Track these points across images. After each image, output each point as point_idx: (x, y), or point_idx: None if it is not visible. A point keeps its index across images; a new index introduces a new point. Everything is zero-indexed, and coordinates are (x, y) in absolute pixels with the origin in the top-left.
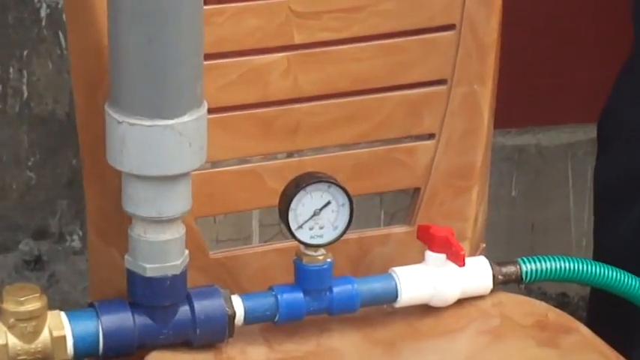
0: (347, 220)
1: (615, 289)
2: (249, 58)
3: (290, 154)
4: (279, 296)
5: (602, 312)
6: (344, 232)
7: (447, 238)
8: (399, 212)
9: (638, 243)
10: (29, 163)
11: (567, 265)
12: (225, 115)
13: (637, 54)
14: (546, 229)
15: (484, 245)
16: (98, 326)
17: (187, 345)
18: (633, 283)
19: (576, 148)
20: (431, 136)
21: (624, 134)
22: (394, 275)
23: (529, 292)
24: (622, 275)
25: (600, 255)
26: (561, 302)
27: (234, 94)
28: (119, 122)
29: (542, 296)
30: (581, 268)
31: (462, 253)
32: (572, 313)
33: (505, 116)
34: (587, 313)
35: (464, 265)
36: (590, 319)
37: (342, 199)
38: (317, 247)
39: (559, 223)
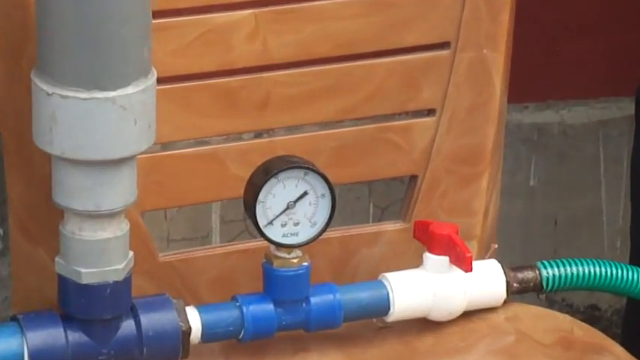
0: (327, 215)
1: None
2: (208, 15)
3: (258, 134)
4: (244, 308)
5: (639, 328)
6: (324, 230)
7: (451, 237)
8: (392, 206)
9: None
10: None
11: (597, 270)
12: (178, 85)
13: None
14: (572, 225)
15: (496, 246)
16: (23, 344)
17: None
18: None
19: (609, 126)
20: (431, 112)
21: None
22: (385, 282)
23: (551, 303)
24: None
25: (639, 258)
26: (591, 316)
27: (189, 61)
28: (48, 94)
29: (568, 309)
30: (614, 273)
31: (469, 255)
32: (605, 330)
33: (522, 88)
34: (622, 329)
35: (471, 270)
36: (626, 337)
37: (322, 189)
38: (291, 247)
39: (588, 218)
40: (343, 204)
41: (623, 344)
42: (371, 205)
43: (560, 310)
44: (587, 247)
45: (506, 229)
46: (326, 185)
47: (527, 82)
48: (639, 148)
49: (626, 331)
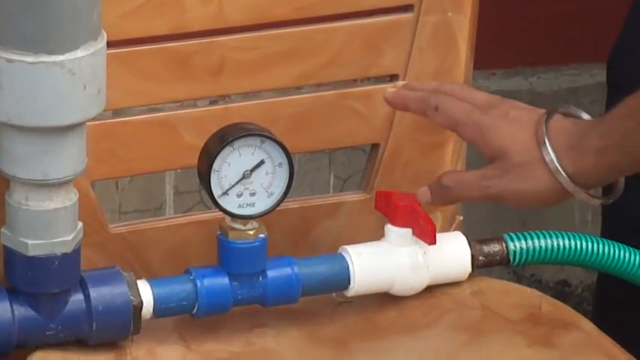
0: (285, 185)
1: (628, 274)
2: None
3: (213, 101)
4: (198, 282)
5: (611, 303)
6: (281, 200)
7: (413, 209)
8: (354, 176)
9: None
10: None
11: (567, 242)
12: (129, 49)
13: None
14: None
15: (461, 218)
16: None
17: (82, 343)
18: None
19: (580, 94)
20: (393, 77)
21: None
22: (345, 255)
23: (519, 279)
24: (637, 257)
25: (610, 232)
26: (561, 292)
27: (141, 24)
28: None
29: (537, 284)
30: (584, 246)
31: (432, 227)
32: (575, 306)
33: (489, 54)
34: (593, 304)
35: (434, 242)
36: (597, 313)
37: (279, 157)
38: (247, 218)
39: None
40: (303, 175)
41: (593, 320)
42: (332, 175)
43: (530, 286)
44: (556, 220)
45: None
46: (283, 154)
47: (495, 47)
48: None
49: (597, 307)
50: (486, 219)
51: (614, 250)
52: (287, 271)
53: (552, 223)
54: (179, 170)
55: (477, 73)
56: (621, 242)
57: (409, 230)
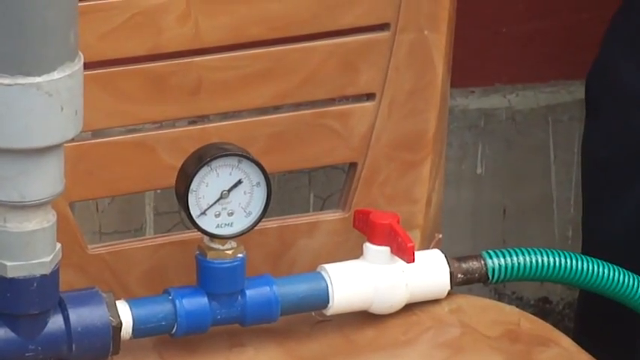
0: (263, 205)
1: (610, 291)
2: None
3: (192, 121)
4: (177, 302)
5: (592, 320)
6: (259, 220)
7: (392, 227)
8: (334, 195)
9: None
10: None
11: (547, 259)
12: (107, 70)
13: None
14: (522, 215)
15: (440, 236)
16: None
17: None
18: (632, 282)
19: (559, 111)
20: (370, 96)
21: (620, 95)
22: (324, 274)
23: (500, 296)
24: (618, 274)
25: (591, 248)
26: (542, 309)
27: (118, 45)
28: None
29: (518, 302)
30: (565, 263)
31: (411, 245)
32: (556, 324)
33: (467, 72)
34: (575, 322)
35: (413, 260)
36: (578, 330)
37: (257, 177)
38: (225, 238)
39: (538, 207)
40: (282, 194)
41: (575, 337)
42: (311, 195)
43: (510, 304)
44: (537, 236)
45: (453, 218)
46: (261, 173)
47: (473, 65)
48: (590, 136)
49: (579, 324)
50: (466, 236)
51: (595, 267)
52: (266, 290)
53: (533, 239)
54: (159, 191)
55: (456, 91)
56: (602, 259)
57: (387, 249)
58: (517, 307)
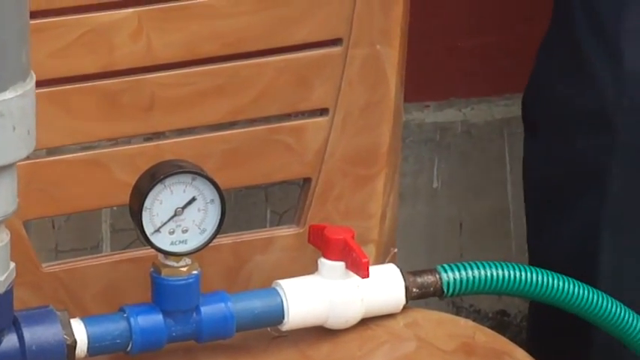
0: (217, 222)
1: (565, 303)
2: (88, 15)
3: (148, 138)
4: (132, 319)
5: (544, 332)
6: (214, 237)
7: (346, 242)
8: (290, 211)
9: (583, 256)
10: None
11: (502, 273)
12: (59, 88)
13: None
14: (478, 228)
15: (395, 250)
16: None
17: None
18: (587, 295)
19: (514, 125)
20: (323, 111)
21: (558, 113)
22: (279, 290)
23: (458, 309)
24: (574, 286)
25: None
26: (500, 322)
27: (70, 62)
28: None
29: (476, 314)
30: (520, 276)
31: (365, 260)
32: (514, 336)
33: (422, 86)
34: (527, 333)
35: (368, 276)
36: (531, 341)
37: (211, 194)
38: (179, 255)
39: (494, 220)
40: (239, 210)
41: (529, 348)
42: (268, 210)
43: (468, 317)
44: (494, 250)
45: (410, 233)
46: (215, 190)
47: (428, 79)
48: (529, 155)
49: (531, 335)
50: (423, 251)
51: (550, 280)
52: (221, 307)
53: (490, 252)
54: (115, 208)
55: (411, 106)
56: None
57: (342, 264)
58: (475, 319)
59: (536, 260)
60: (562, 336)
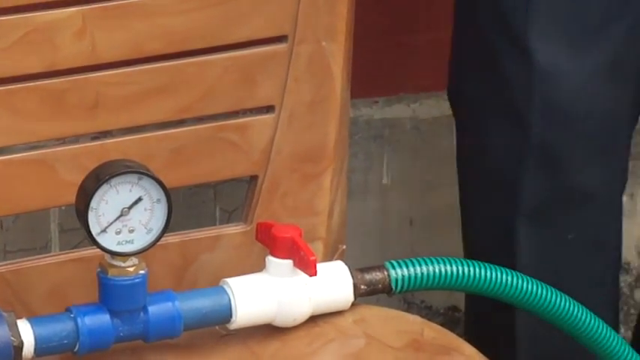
0: (164, 221)
1: (514, 298)
2: (32, 14)
3: (95, 137)
4: (79, 319)
5: (480, 326)
6: (160, 236)
7: (294, 240)
8: (240, 209)
9: (502, 248)
10: None
11: (450, 268)
12: (4, 88)
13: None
14: (429, 224)
15: (344, 247)
16: None
17: None
18: (537, 290)
19: None
20: (269, 108)
21: (474, 110)
22: (227, 288)
23: (409, 305)
24: (522, 281)
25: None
26: (451, 318)
27: (13, 62)
28: None
29: (427, 310)
30: (470, 272)
31: (313, 258)
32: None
33: (370, 82)
34: (465, 328)
35: (315, 274)
36: (469, 336)
37: (157, 193)
38: (126, 255)
39: (445, 215)
40: (188, 208)
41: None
42: (217, 208)
43: (419, 313)
44: (445, 245)
45: (360, 229)
46: (161, 190)
47: (376, 75)
48: (458, 148)
49: (468, 329)
50: (374, 247)
51: (499, 275)
52: (168, 306)
53: (441, 248)
54: (63, 208)
55: (360, 102)
56: None
57: (290, 262)
58: (426, 315)
59: (468, 251)
60: (499, 332)
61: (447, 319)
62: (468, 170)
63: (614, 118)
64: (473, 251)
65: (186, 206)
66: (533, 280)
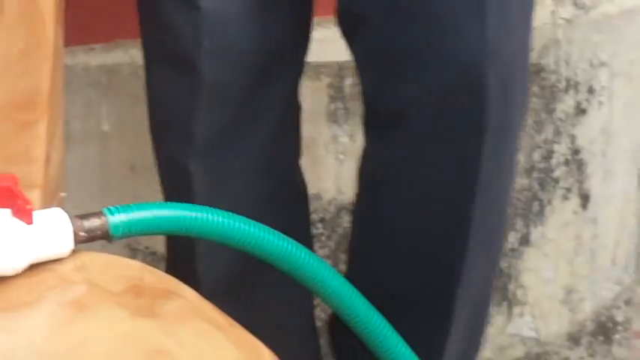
0: None
1: (235, 242)
2: None
3: None
4: None
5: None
6: None
7: (10, 190)
8: None
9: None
10: None
11: (169, 213)
12: None
13: None
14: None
15: (64, 194)
16: None
17: None
18: (257, 233)
19: None
20: None
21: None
22: None
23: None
24: (244, 225)
25: None
26: None
27: None
28: None
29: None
30: (190, 216)
31: (29, 207)
32: None
33: (87, 28)
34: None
35: (32, 222)
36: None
37: None
38: None
39: None
40: None
41: None
42: None
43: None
44: None
45: (82, 177)
46: None
47: (93, 21)
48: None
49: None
50: (96, 194)
51: (219, 219)
52: None
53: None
54: None
55: (77, 49)
56: None
57: (8, 211)
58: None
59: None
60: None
61: None
62: (150, 116)
63: (271, 51)
64: (164, 192)
65: None
66: (255, 224)
